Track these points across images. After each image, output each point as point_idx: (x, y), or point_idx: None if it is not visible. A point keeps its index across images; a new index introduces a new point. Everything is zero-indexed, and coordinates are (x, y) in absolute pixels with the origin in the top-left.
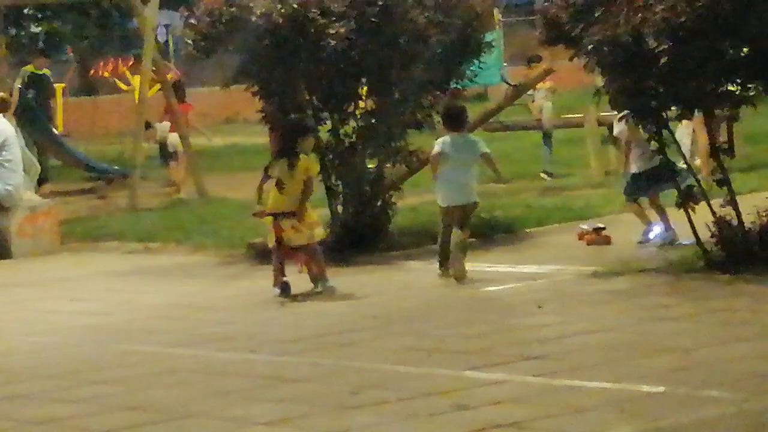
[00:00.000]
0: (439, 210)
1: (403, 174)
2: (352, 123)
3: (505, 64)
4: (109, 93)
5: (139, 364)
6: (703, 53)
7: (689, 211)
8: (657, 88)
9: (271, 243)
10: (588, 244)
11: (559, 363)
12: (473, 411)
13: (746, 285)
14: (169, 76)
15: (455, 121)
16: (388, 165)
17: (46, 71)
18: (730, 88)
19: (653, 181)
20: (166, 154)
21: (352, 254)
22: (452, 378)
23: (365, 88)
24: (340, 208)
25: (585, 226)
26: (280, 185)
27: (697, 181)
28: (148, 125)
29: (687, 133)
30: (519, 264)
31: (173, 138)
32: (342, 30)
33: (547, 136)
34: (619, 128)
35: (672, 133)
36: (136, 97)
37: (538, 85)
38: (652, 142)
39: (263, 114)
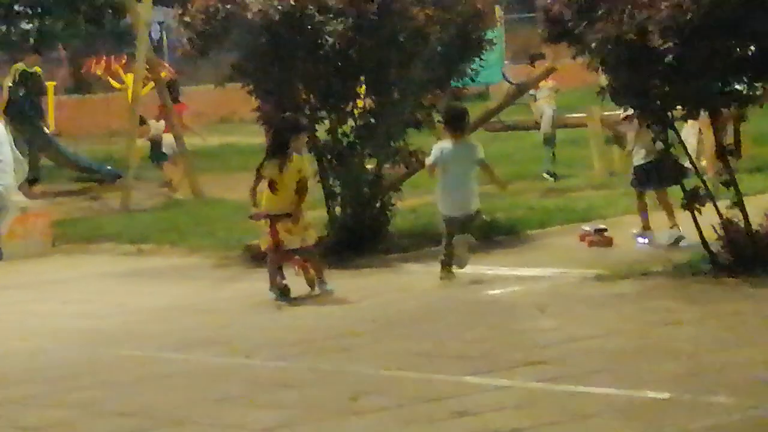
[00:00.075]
0: (444, 220)
1: (402, 175)
2: (351, 122)
3: (506, 62)
4: (102, 91)
5: (132, 369)
6: (709, 51)
7: (695, 212)
8: (662, 87)
9: (264, 246)
10: (589, 246)
11: (562, 368)
12: (474, 417)
13: (753, 288)
14: (163, 75)
15: (456, 124)
16: (387, 165)
17: (37, 69)
18: (737, 87)
19: (657, 175)
20: (158, 154)
21: (350, 256)
22: (453, 383)
23: (364, 87)
24: (338, 210)
25: (587, 227)
26: (272, 186)
27: (703, 182)
28: (142, 121)
29: (693, 132)
30: (521, 266)
31: (168, 138)
32: (340, 27)
33: (548, 138)
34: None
35: (677, 133)
36: (130, 95)
37: (541, 84)
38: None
39: (259, 113)
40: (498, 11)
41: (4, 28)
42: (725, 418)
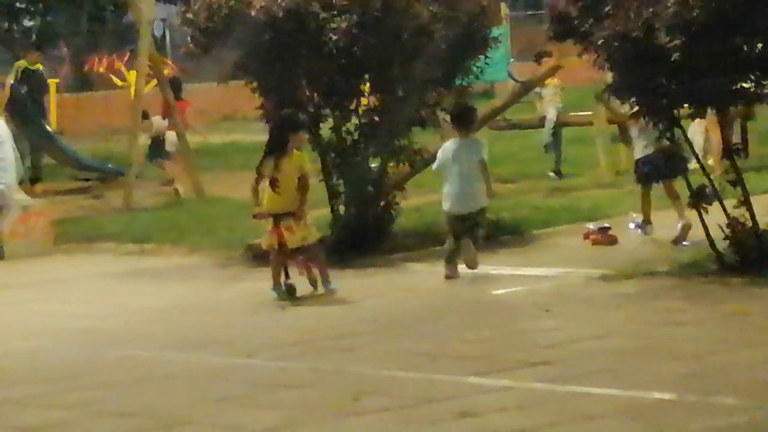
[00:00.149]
0: (445, 216)
1: (406, 173)
2: (354, 120)
3: (512, 59)
4: (104, 89)
5: (132, 369)
6: (717, 49)
7: (702, 211)
8: (668, 85)
9: (266, 245)
10: (593, 244)
11: (566, 369)
12: (477, 418)
13: (760, 288)
14: (165, 72)
15: (463, 121)
16: (391, 164)
17: (39, 66)
18: (744, 85)
19: (661, 168)
20: (155, 152)
21: (353, 256)
22: (455, 384)
23: (368, 85)
24: (341, 209)
25: (591, 225)
26: (274, 185)
27: (710, 181)
28: (145, 115)
29: (699, 131)
30: (525, 266)
31: (171, 136)
32: (344, 24)
33: (554, 136)
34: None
35: (684, 132)
36: (132, 93)
37: (546, 82)
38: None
39: (263, 111)
40: (503, 8)
41: (6, 25)
42: (729, 420)
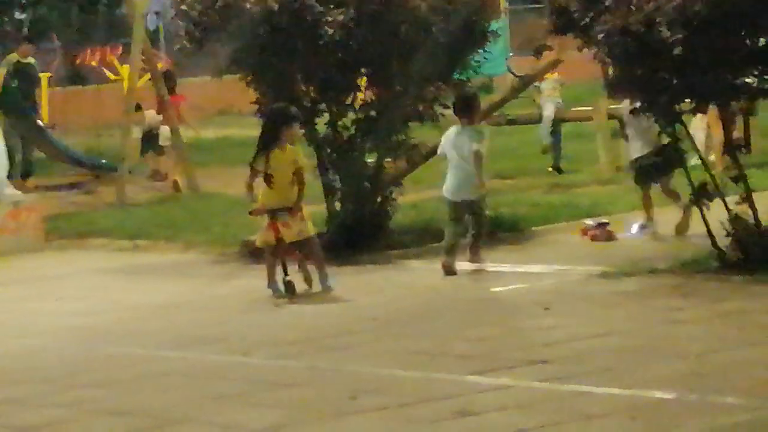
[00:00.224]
0: (446, 203)
1: (404, 169)
2: (351, 115)
3: (511, 54)
4: (97, 82)
5: (127, 367)
6: (719, 44)
7: (703, 208)
8: (670, 79)
9: (260, 242)
10: (592, 240)
11: (567, 367)
12: (476, 417)
13: (762, 286)
14: (159, 66)
15: (464, 108)
16: (388, 159)
17: (31, 60)
18: (747, 80)
19: (658, 167)
20: (151, 146)
21: (350, 253)
22: (454, 383)
23: (365, 79)
24: (338, 205)
25: (589, 221)
26: (269, 180)
27: (712, 177)
28: (138, 107)
29: (701, 127)
30: (525, 263)
31: (165, 131)
32: (340, 18)
33: (554, 132)
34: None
35: (686, 127)
36: (125, 87)
37: (546, 76)
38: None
39: (258, 105)
40: (502, 1)
41: None
42: (730, 418)
